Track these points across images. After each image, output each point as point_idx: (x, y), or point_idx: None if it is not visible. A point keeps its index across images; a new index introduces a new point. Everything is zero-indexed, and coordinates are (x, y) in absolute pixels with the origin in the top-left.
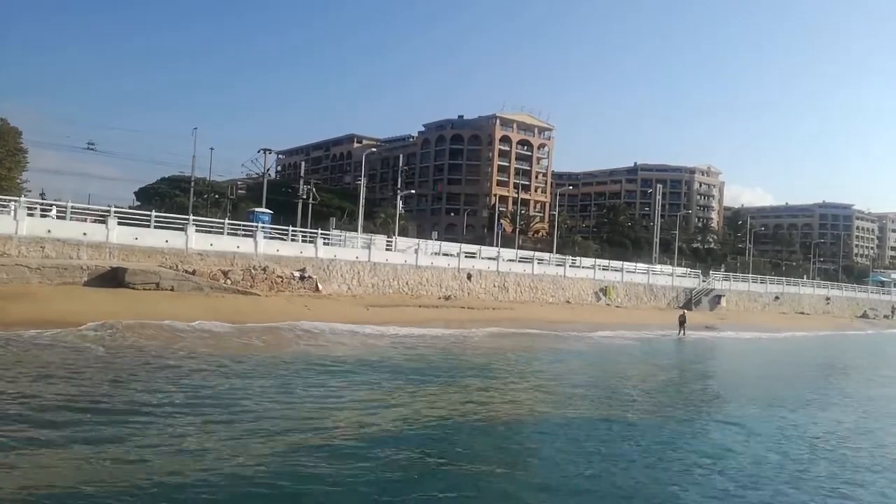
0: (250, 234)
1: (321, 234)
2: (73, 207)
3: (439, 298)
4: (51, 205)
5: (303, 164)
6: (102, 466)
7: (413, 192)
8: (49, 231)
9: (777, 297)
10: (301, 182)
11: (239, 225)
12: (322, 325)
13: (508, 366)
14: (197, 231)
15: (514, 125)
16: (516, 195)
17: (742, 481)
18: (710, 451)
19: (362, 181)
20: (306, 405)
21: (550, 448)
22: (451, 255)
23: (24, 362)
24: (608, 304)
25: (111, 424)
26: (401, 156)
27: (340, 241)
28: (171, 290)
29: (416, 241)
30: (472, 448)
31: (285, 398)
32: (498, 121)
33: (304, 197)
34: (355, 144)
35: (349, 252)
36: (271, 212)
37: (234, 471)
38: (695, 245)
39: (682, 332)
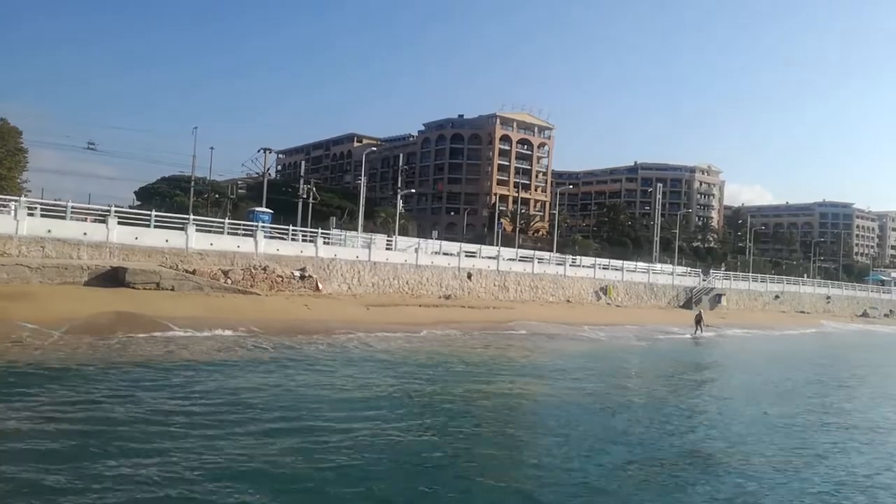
0: (250, 234)
1: (321, 233)
2: (73, 207)
3: (439, 297)
4: (52, 205)
5: (303, 163)
6: None
7: (413, 191)
8: (49, 231)
9: (777, 296)
10: (301, 181)
11: (239, 224)
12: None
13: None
14: (197, 231)
15: (514, 124)
16: (516, 194)
17: None
18: None
19: (362, 180)
20: None
21: None
22: (452, 254)
23: None
24: (608, 304)
25: None
26: (401, 155)
27: (340, 240)
28: (172, 289)
29: (417, 240)
30: None
31: None
32: (498, 120)
33: (305, 196)
34: (355, 144)
35: (349, 251)
36: (271, 211)
37: None
38: (695, 244)
39: (698, 330)
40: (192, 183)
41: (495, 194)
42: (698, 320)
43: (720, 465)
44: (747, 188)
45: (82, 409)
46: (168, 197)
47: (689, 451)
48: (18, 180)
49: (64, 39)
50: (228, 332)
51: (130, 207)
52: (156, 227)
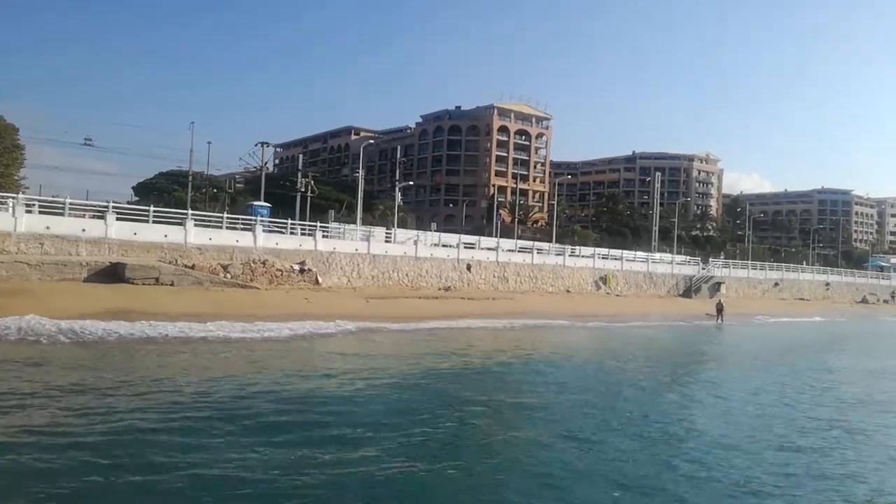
0: (249, 228)
1: (320, 226)
2: (71, 203)
3: (439, 289)
4: (51, 201)
5: (301, 157)
6: None
7: (411, 183)
8: (48, 227)
9: (777, 284)
10: (299, 175)
11: (238, 219)
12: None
13: None
14: (196, 225)
15: (512, 115)
16: (515, 185)
17: None
18: None
19: (360, 173)
20: None
21: None
22: (451, 246)
23: None
24: (608, 293)
25: None
26: (399, 147)
27: (339, 233)
28: (171, 284)
29: (416, 232)
30: None
31: None
32: (496, 111)
33: (303, 190)
34: (353, 136)
35: (348, 244)
36: (270, 205)
37: None
38: (694, 232)
39: (720, 319)
40: (190, 178)
41: (494, 185)
42: (720, 309)
43: None
44: (745, 176)
45: None
46: (166, 192)
47: None
48: (16, 177)
49: (61, 37)
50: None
51: (128, 203)
52: (154, 222)
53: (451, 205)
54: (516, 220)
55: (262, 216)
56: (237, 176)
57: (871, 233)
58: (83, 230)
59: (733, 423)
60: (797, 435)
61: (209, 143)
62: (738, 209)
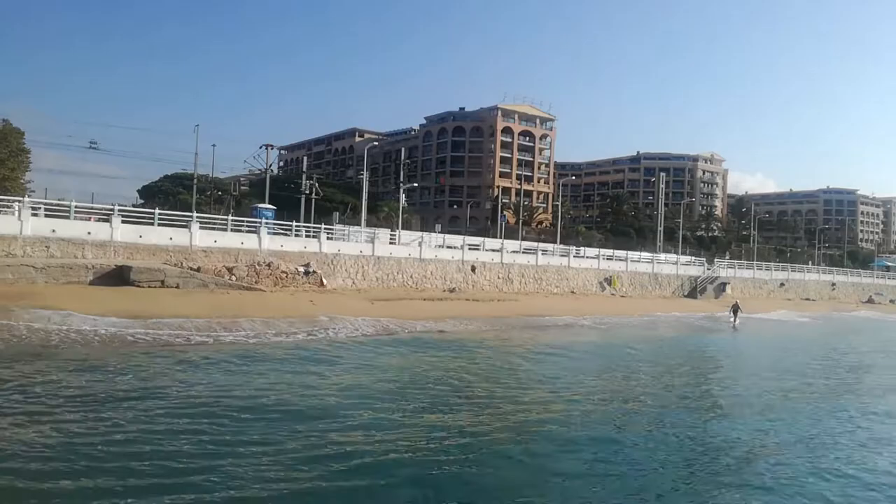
0: (254, 230)
1: (325, 228)
2: (76, 206)
3: (444, 291)
4: (56, 205)
5: (305, 159)
6: None
7: (416, 185)
8: (53, 231)
9: (782, 284)
10: (304, 177)
11: (243, 221)
12: None
13: None
14: (201, 228)
15: (516, 116)
16: (519, 186)
17: None
18: None
19: (365, 175)
20: None
21: None
22: (455, 247)
23: None
24: (613, 294)
25: None
26: (403, 149)
27: (344, 235)
28: (177, 287)
29: (420, 234)
30: None
31: None
32: (499, 112)
33: (307, 192)
34: (357, 138)
35: (353, 246)
36: (275, 207)
37: None
38: (699, 233)
39: (735, 320)
40: (195, 180)
41: (498, 187)
42: (735, 310)
43: None
44: (749, 176)
45: None
46: (171, 195)
47: None
48: (22, 181)
49: (65, 38)
50: None
51: (134, 206)
52: (159, 225)
53: (455, 206)
54: (520, 221)
55: (266, 218)
56: (242, 178)
57: (877, 232)
58: (89, 233)
59: None
60: None
61: (214, 145)
62: (743, 209)
